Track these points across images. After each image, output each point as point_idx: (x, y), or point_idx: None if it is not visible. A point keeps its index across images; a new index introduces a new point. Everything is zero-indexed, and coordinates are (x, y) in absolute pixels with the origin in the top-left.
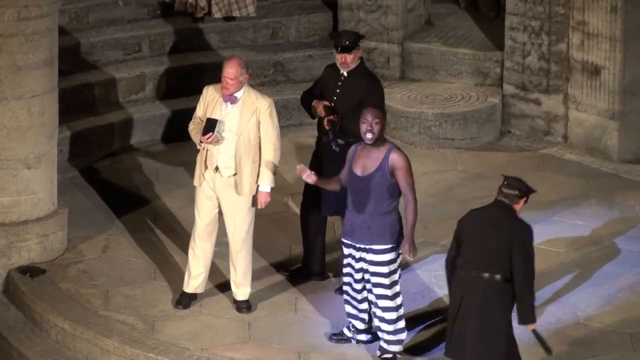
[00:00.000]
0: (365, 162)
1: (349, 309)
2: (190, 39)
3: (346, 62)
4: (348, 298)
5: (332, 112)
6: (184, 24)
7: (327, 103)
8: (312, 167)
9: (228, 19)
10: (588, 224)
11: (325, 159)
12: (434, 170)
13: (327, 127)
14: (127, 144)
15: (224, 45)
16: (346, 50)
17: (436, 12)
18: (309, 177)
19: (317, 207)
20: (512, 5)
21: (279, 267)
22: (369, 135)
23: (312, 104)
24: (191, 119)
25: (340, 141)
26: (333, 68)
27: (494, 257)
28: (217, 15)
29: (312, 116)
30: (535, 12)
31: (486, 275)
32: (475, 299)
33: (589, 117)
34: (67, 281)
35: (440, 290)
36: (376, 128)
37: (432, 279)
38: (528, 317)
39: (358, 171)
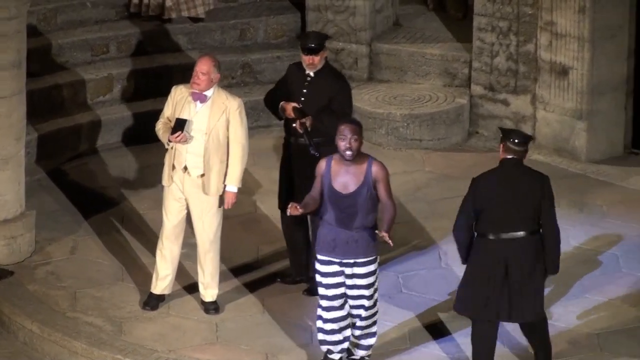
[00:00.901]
0: (346, 179)
1: (328, 337)
2: (158, 40)
3: (314, 64)
4: (330, 323)
5: (302, 114)
6: (151, 25)
7: (295, 104)
8: (282, 168)
9: (195, 20)
10: None
11: (295, 160)
12: (401, 171)
13: (300, 131)
14: (95, 145)
15: (192, 47)
16: (313, 52)
17: (404, 13)
18: (296, 210)
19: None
20: (480, 6)
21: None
22: (348, 153)
23: (280, 105)
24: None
25: (316, 139)
26: (298, 67)
27: (524, 214)
28: (173, 15)
29: (279, 117)
30: (503, 12)
31: (521, 233)
32: (517, 258)
33: (557, 118)
34: (34, 283)
35: (408, 291)
36: (355, 145)
37: (400, 280)
38: (557, 267)
39: (340, 188)
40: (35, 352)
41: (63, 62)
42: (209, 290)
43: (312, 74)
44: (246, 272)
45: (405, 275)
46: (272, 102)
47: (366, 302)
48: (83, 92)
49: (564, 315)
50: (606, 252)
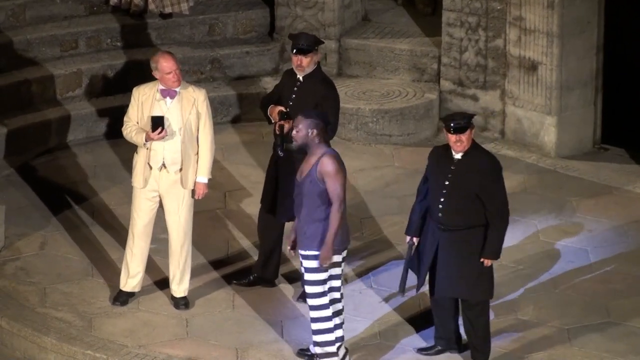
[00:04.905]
0: (303, 167)
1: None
2: (127, 35)
3: (301, 65)
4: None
5: (286, 118)
6: (120, 20)
7: (282, 108)
8: (270, 171)
9: (165, 15)
10: (526, 220)
11: (282, 163)
12: (371, 167)
13: (277, 132)
14: (64, 141)
15: (161, 42)
16: (302, 52)
17: (373, 8)
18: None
19: (274, 212)
20: (449, 1)
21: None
22: (293, 141)
23: (268, 109)
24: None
25: (291, 146)
26: (291, 73)
27: None
28: (155, 11)
29: (270, 121)
30: (472, 8)
31: None
32: None
33: (526, 113)
34: (4, 278)
35: (378, 286)
36: (298, 135)
37: (370, 275)
38: None
39: (297, 176)
40: (4, 347)
41: (32, 57)
42: (179, 286)
43: (301, 78)
44: (216, 268)
45: (376, 271)
46: (265, 106)
47: (309, 301)
48: (52, 87)
49: (534, 309)
50: (576, 246)
